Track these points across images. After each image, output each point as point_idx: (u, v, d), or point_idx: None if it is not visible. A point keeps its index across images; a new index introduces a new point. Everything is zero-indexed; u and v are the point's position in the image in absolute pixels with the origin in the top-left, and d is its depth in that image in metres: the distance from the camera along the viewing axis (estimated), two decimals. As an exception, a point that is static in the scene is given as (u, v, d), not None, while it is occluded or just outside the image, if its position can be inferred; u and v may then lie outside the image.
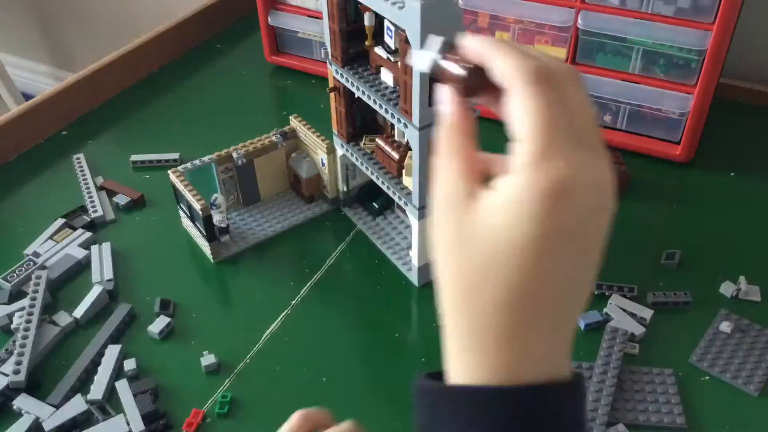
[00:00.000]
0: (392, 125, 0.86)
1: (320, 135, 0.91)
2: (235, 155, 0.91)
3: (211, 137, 1.14)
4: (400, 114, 0.75)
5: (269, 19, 1.24)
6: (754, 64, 1.19)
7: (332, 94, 0.86)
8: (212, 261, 0.90)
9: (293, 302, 0.84)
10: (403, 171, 0.81)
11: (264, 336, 0.81)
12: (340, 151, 0.90)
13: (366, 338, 0.82)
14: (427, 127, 0.72)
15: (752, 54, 1.18)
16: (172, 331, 0.81)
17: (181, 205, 0.91)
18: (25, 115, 1.10)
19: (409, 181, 0.80)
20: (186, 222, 0.93)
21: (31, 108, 1.11)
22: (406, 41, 0.68)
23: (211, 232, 0.87)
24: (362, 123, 0.89)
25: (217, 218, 0.88)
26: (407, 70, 0.70)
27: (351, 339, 0.82)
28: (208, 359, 0.77)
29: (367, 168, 0.86)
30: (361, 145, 0.88)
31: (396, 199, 0.83)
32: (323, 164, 0.92)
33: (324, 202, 0.98)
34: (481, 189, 0.34)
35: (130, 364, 0.77)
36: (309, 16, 1.21)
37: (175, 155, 1.07)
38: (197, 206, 0.84)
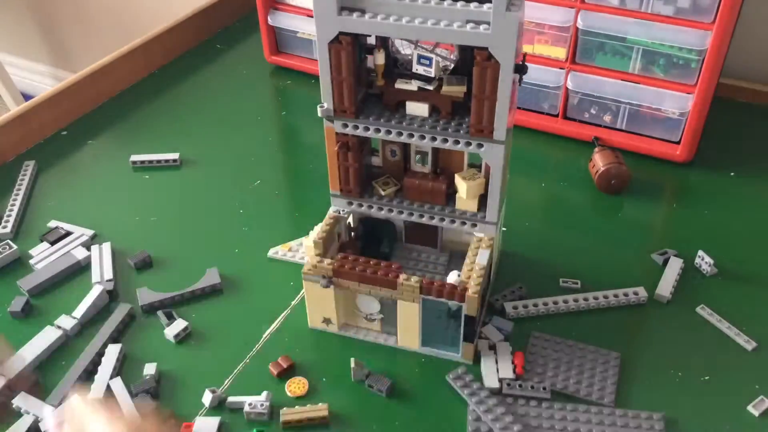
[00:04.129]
0: (405, 159, 0.80)
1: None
2: None
3: (211, 137, 1.14)
4: (472, 136, 0.71)
5: (269, 19, 1.24)
6: (754, 64, 1.19)
7: (338, 153, 0.76)
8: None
9: (293, 302, 0.84)
10: (458, 195, 0.77)
11: (263, 336, 0.81)
12: (347, 209, 0.82)
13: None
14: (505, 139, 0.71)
15: (752, 54, 1.18)
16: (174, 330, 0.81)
17: None
18: (25, 115, 1.11)
19: (469, 203, 0.77)
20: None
21: (31, 108, 1.12)
22: (489, 58, 0.65)
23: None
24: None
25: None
26: (485, 88, 0.67)
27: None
28: (207, 397, 0.73)
29: (401, 212, 0.80)
30: (382, 192, 0.80)
31: (457, 225, 0.78)
32: None
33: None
34: None
35: (149, 369, 0.76)
36: (309, 16, 1.21)
37: (175, 155, 1.07)
38: None
